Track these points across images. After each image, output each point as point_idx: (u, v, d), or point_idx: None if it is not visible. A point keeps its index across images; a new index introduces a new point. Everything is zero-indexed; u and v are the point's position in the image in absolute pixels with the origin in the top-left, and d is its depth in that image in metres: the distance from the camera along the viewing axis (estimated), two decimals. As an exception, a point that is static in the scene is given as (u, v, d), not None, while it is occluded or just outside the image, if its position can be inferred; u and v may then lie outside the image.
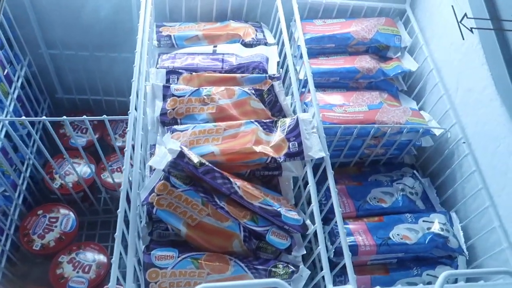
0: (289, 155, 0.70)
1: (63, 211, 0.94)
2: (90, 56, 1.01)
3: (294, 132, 0.72)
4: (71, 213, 0.93)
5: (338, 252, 0.73)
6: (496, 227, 0.70)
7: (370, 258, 0.74)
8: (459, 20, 0.58)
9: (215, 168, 0.61)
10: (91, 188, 1.00)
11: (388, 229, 0.76)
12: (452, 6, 0.63)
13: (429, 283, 0.73)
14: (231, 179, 0.62)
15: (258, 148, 0.70)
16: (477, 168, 0.76)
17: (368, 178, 0.87)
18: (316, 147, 0.71)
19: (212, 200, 0.62)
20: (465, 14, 0.60)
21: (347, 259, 0.56)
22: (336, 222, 0.75)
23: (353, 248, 0.73)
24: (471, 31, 0.60)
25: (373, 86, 0.95)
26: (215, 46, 0.88)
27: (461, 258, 0.75)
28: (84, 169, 1.02)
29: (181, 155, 0.60)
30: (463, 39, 0.67)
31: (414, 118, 0.85)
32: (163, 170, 0.59)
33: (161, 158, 0.60)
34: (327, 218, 0.78)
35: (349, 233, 0.75)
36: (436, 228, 0.75)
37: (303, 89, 0.92)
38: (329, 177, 0.70)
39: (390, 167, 0.91)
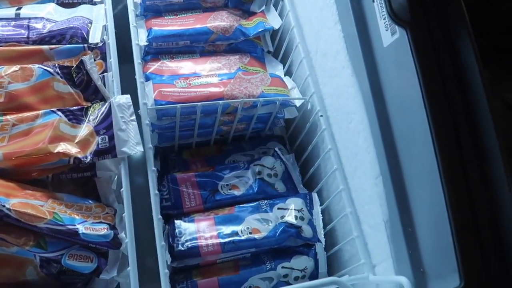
0: (98, 153, 0.56)
1: None
2: None
3: (106, 122, 0.58)
4: None
5: (177, 257, 0.63)
6: (348, 214, 0.63)
7: (218, 257, 0.65)
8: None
9: (-33, 189, 0.47)
10: None
11: (238, 222, 0.66)
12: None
13: (286, 276, 0.66)
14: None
15: (56, 147, 0.55)
16: (333, 146, 0.67)
17: (225, 160, 0.76)
18: (133, 140, 0.57)
19: (-27, 230, 0.48)
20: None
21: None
22: (174, 222, 0.66)
23: (195, 250, 0.63)
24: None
25: (234, 49, 0.81)
26: (18, 9, 0.69)
27: (319, 245, 0.68)
28: None
29: None
30: None
31: (272, 88, 0.73)
32: None
33: None
34: (169, 215, 0.67)
35: (193, 232, 0.65)
36: (290, 216, 0.67)
37: (148, 57, 0.77)
38: (149, 177, 0.58)
39: (255, 142, 0.80)
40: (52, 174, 0.57)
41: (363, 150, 0.59)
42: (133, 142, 0.57)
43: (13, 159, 0.54)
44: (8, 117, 0.57)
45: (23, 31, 0.67)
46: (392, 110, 0.53)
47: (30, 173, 0.55)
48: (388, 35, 0.53)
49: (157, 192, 0.56)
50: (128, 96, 0.60)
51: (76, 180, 0.59)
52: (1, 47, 0.64)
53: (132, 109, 0.59)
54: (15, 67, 0.60)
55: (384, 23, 0.54)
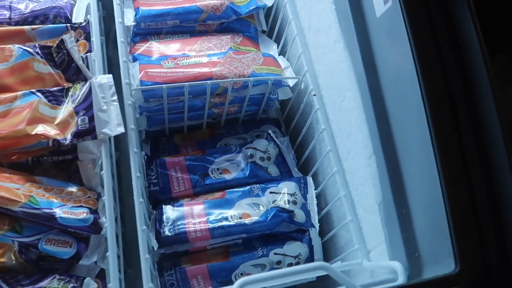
0: (78, 135, 0.54)
1: None
2: None
3: (86, 103, 0.55)
4: None
5: (164, 243, 0.61)
6: (341, 197, 0.59)
7: (208, 243, 0.63)
8: None
9: None
10: None
11: (229, 207, 0.64)
12: None
13: (279, 262, 0.64)
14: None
15: (35, 129, 0.53)
16: (326, 126, 0.63)
17: (217, 144, 0.74)
18: (114, 121, 0.55)
19: None
20: None
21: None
22: (162, 207, 0.63)
23: (182, 236, 0.61)
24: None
25: (226, 28, 0.78)
26: (0, -11, 0.67)
27: (313, 230, 0.65)
28: None
29: None
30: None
31: (263, 67, 0.70)
32: None
33: None
34: (157, 201, 0.65)
35: (181, 217, 0.62)
36: (283, 200, 0.64)
37: (136, 39, 0.74)
38: (131, 158, 0.55)
39: (249, 125, 0.77)
40: (32, 157, 0.55)
41: (356, 129, 0.56)
42: (114, 123, 0.55)
43: (-9, 142, 0.52)
44: (-15, 98, 0.55)
45: (5, 12, 0.65)
46: (385, 84, 0.50)
47: (8, 156, 0.54)
48: (381, 4, 0.50)
49: (139, 174, 0.54)
50: (110, 76, 0.57)
51: (58, 163, 0.57)
52: (-18, 28, 0.62)
53: (114, 89, 0.57)
54: (-6, 48, 0.58)
55: (377, -9, 0.50)
